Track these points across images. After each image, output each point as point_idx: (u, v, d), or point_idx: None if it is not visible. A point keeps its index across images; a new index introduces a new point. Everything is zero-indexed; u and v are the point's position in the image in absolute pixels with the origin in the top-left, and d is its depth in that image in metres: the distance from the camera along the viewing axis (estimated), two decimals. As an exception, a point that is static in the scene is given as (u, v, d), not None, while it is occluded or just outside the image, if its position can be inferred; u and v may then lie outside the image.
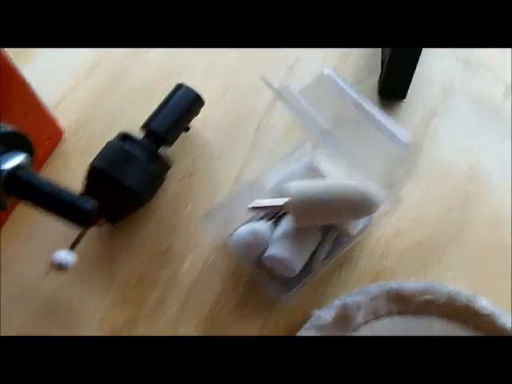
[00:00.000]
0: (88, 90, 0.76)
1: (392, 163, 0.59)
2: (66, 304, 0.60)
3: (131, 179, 0.60)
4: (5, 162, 0.50)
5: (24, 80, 0.62)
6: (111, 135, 0.64)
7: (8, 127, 0.52)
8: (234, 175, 0.69)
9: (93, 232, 0.60)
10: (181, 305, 0.60)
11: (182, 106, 0.68)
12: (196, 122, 0.70)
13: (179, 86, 0.69)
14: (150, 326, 0.59)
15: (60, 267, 0.54)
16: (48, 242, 0.63)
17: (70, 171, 0.69)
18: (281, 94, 0.58)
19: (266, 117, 0.74)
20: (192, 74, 0.74)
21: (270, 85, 0.58)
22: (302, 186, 0.59)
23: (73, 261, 0.55)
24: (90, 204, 0.50)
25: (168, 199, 0.67)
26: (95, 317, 0.60)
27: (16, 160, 0.51)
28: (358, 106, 0.60)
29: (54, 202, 0.51)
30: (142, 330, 0.59)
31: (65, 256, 0.55)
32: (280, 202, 0.59)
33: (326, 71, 0.62)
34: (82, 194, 0.59)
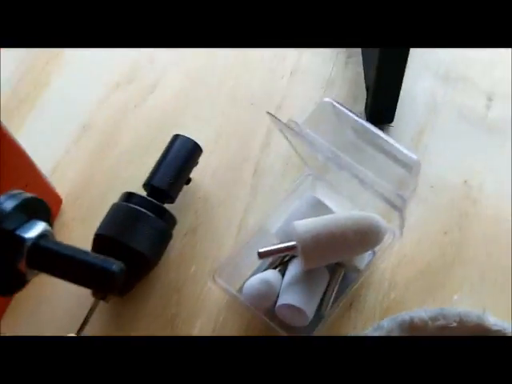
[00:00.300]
0: (82, 154, 0.76)
1: (399, 184, 0.59)
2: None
3: (141, 243, 0.60)
4: (27, 231, 0.46)
5: (22, 149, 0.61)
6: (112, 197, 0.64)
7: (28, 194, 0.47)
8: (238, 222, 0.69)
9: (97, 310, 0.59)
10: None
11: (182, 157, 0.67)
12: (194, 173, 0.70)
13: (176, 137, 0.68)
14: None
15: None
16: (50, 331, 0.61)
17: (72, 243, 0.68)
18: (287, 126, 0.57)
19: (263, 157, 0.74)
20: (183, 124, 0.74)
21: (276, 119, 0.58)
22: (307, 223, 0.59)
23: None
24: (116, 266, 0.45)
25: (172, 260, 0.67)
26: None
27: (38, 228, 0.46)
28: (361, 129, 0.60)
29: (79, 270, 0.46)
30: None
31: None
32: (287, 245, 0.59)
33: (327, 99, 0.62)
34: None
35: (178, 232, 0.67)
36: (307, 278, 0.61)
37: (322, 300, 0.62)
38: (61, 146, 0.76)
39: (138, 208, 0.61)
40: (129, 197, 0.63)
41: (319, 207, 0.66)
